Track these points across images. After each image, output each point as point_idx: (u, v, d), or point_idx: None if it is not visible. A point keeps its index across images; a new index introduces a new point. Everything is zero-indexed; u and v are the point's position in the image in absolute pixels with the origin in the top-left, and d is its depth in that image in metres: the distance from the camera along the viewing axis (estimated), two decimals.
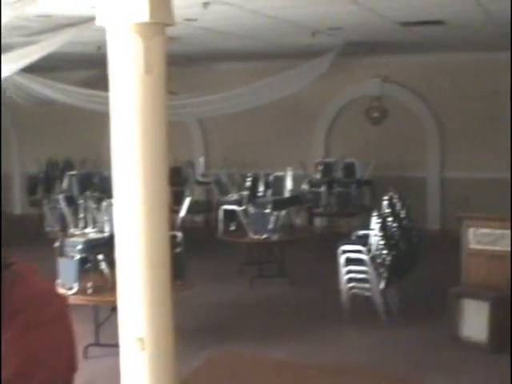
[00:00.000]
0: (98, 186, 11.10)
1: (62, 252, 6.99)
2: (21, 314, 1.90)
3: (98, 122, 13.30)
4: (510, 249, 7.26)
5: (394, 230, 8.74)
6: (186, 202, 10.65)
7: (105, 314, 7.05)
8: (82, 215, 8.39)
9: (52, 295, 2.03)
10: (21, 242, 11.33)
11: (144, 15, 4.97)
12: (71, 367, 2.04)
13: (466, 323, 7.19)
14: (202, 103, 11.30)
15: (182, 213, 8.45)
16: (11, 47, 7.97)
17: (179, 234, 7.46)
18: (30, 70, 9.07)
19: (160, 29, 5.16)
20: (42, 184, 13.69)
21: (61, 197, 9.21)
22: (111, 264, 6.84)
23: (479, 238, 7.44)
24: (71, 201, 9.64)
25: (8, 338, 1.88)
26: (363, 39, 10.60)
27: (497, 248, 7.35)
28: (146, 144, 5.15)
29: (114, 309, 6.50)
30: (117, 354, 5.59)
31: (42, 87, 10.10)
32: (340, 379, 3.65)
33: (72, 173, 12.25)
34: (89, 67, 12.09)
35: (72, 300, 6.77)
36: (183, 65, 13.22)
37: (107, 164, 5.50)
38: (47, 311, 1.95)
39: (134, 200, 5.16)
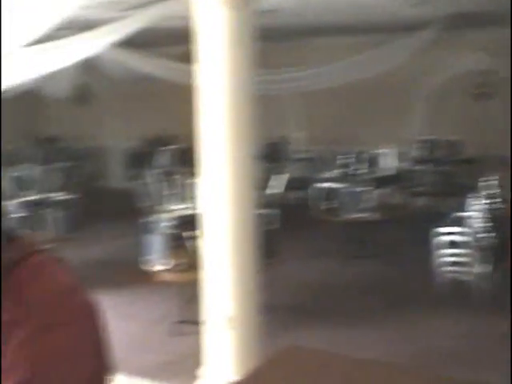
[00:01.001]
0: (193, 161, 11.07)
1: (152, 228, 6.97)
2: (33, 316, 1.74)
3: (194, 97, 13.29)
4: None
5: (499, 211, 8.36)
6: (283, 178, 10.52)
7: (192, 291, 7.01)
8: (175, 191, 8.38)
9: (73, 293, 1.83)
10: (115, 216, 11.49)
11: None
12: (91, 379, 1.84)
13: None
14: (301, 77, 11.09)
15: (278, 190, 8.32)
16: (105, 22, 7.95)
17: (274, 212, 7.31)
18: (128, 44, 9.08)
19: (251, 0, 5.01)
20: (138, 159, 13.82)
21: (155, 172, 9.21)
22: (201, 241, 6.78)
23: None
24: (165, 176, 9.65)
25: (15, 344, 1.72)
26: (470, 9, 10.14)
27: None
28: (234, 119, 5.02)
29: (201, 286, 6.44)
30: (203, 332, 5.53)
31: (138, 62, 10.10)
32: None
33: (167, 148, 12.28)
34: (185, 41, 12.06)
35: (160, 277, 6.74)
36: (281, 39, 13.03)
37: None
38: (64, 313, 1.78)
39: (222, 176, 5.06)
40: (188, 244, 6.99)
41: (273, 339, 5.76)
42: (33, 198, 9.71)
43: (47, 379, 1.67)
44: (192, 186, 7.85)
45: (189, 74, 6.06)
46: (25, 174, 10.45)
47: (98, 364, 1.78)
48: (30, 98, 14.08)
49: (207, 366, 5.36)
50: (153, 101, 14.91)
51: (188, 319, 6.79)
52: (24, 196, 9.22)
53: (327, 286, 8.66)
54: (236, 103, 5.01)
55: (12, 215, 8.26)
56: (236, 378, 5.09)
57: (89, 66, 10.59)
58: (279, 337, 6.45)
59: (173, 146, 12.46)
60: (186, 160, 11.11)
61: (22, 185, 10.11)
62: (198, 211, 6.83)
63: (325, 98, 13.90)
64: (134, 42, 8.69)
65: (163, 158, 11.82)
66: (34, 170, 11.06)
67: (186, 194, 8.01)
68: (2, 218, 1.85)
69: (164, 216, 7.13)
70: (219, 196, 5.11)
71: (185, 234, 6.95)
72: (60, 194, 10.22)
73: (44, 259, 1.87)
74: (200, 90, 5.09)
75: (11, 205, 8.42)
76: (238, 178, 5.08)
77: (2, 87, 7.06)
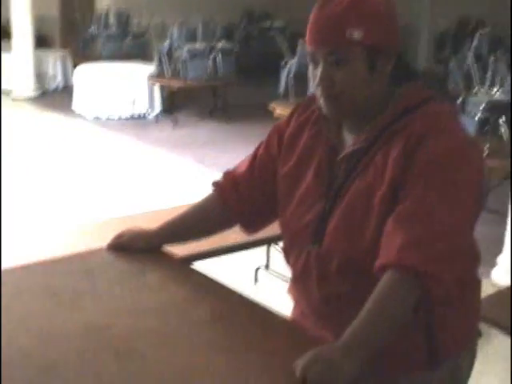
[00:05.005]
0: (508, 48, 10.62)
1: (463, 110, 6.87)
2: (426, 176, 1.79)
3: None
4: None
5: None
6: None
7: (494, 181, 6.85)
8: (489, 75, 8.15)
9: (470, 149, 1.86)
10: None
11: None
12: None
13: None
14: None
15: None
16: None
17: None
18: None
19: None
20: (451, 41, 13.48)
21: (470, 54, 8.95)
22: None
23: None
24: (480, 59, 9.37)
25: (412, 201, 1.78)
26: None
27: None
28: None
29: (505, 178, 6.29)
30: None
31: None
32: None
33: (483, 31, 11.84)
34: None
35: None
36: None
37: None
38: (462, 168, 1.81)
39: None
40: (501, 130, 6.84)
41: None
42: None
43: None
44: (508, 72, 7.59)
45: None
46: None
47: (478, 208, 1.86)
48: None
49: (505, 254, 5.31)
50: None
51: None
52: None
53: None
54: None
55: None
56: None
57: None
58: None
59: (483, 31, 11.99)
60: (501, 45, 10.67)
61: None
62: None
63: None
64: None
65: (479, 42, 11.42)
66: None
67: (501, 79, 7.75)
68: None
69: (479, 98, 6.99)
70: None
71: (500, 120, 6.78)
72: None
73: (441, 109, 1.92)
74: None
75: None
76: None
77: None
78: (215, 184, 2.30)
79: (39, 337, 1.82)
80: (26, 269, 2.24)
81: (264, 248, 4.94)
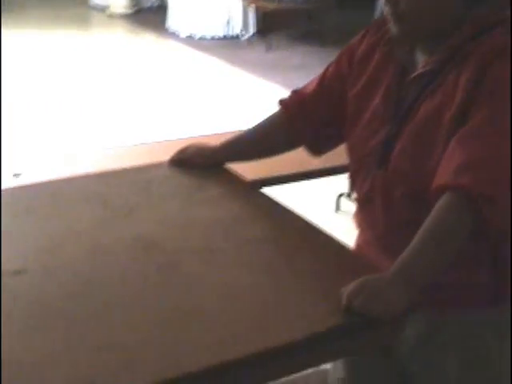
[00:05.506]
0: None
1: None
2: (494, 98, 1.66)
3: None
4: None
5: None
6: None
7: None
8: None
9: None
10: None
11: None
12: None
13: None
14: None
15: None
16: None
17: None
18: None
19: None
20: None
21: None
22: None
23: None
24: None
25: (476, 122, 1.66)
26: None
27: None
28: None
29: None
30: None
31: None
32: None
33: None
34: None
35: None
36: None
37: None
38: None
39: None
40: None
41: None
42: None
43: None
44: None
45: None
46: None
47: None
48: None
49: None
50: None
51: None
52: None
53: None
54: None
55: None
56: None
57: None
58: None
59: None
60: None
61: None
62: None
63: None
64: None
65: None
66: None
67: None
68: None
69: None
70: None
71: None
72: None
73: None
74: None
75: None
76: None
77: None
78: (281, 102, 2.21)
79: (86, 247, 1.78)
80: (84, 179, 2.21)
81: (347, 175, 4.80)
